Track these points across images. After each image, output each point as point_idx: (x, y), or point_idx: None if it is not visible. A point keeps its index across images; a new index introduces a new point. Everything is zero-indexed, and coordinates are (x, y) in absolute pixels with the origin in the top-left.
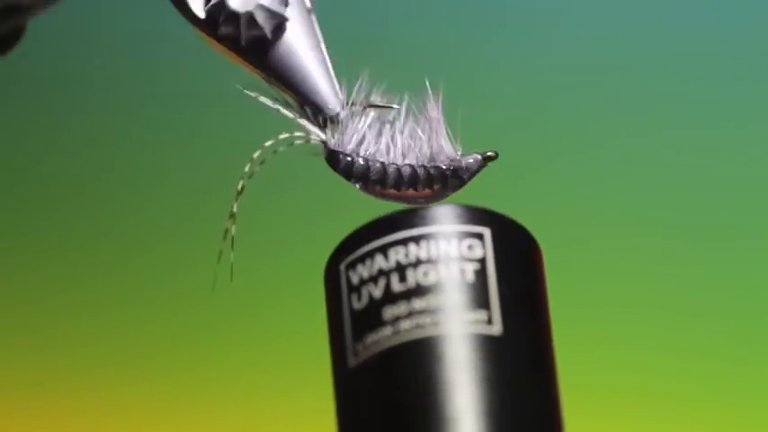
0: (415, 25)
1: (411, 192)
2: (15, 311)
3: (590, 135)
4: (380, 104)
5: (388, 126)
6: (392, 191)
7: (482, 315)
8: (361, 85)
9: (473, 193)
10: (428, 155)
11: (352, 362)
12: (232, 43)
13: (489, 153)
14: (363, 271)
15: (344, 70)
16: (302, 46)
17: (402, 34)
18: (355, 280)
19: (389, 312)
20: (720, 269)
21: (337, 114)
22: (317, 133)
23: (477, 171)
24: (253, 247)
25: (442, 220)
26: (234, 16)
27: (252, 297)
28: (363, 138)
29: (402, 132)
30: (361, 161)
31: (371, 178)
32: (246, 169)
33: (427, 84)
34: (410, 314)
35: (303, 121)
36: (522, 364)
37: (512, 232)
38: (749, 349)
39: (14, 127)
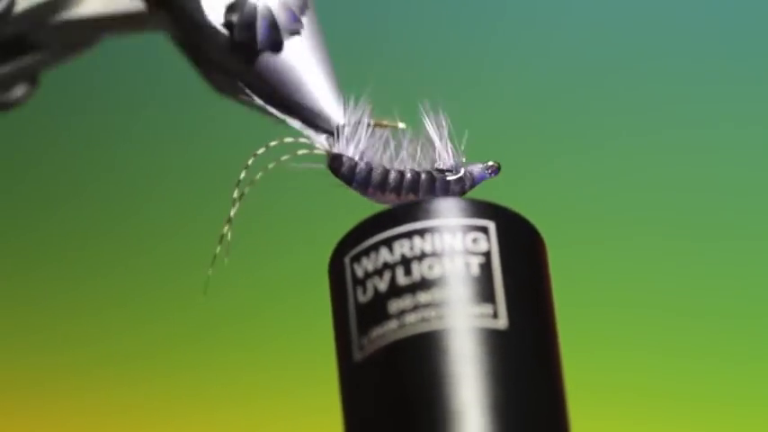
0: (416, 25)
1: (411, 197)
2: (16, 311)
3: (591, 135)
4: (386, 124)
5: (391, 139)
6: (392, 196)
7: (487, 309)
8: (364, 100)
9: (473, 192)
10: (431, 161)
11: (358, 356)
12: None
13: (492, 163)
14: (368, 264)
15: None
16: (309, 60)
17: (403, 34)
18: (360, 273)
19: (395, 306)
20: (721, 269)
21: (341, 126)
22: (321, 142)
23: (480, 181)
24: (252, 248)
25: (446, 213)
26: (252, 19)
27: (252, 297)
28: (367, 146)
29: (406, 144)
30: (363, 165)
31: (372, 182)
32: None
33: (422, 102)
34: (415, 308)
35: (309, 131)
36: (527, 357)
37: (516, 226)
38: (749, 349)
39: (14, 127)
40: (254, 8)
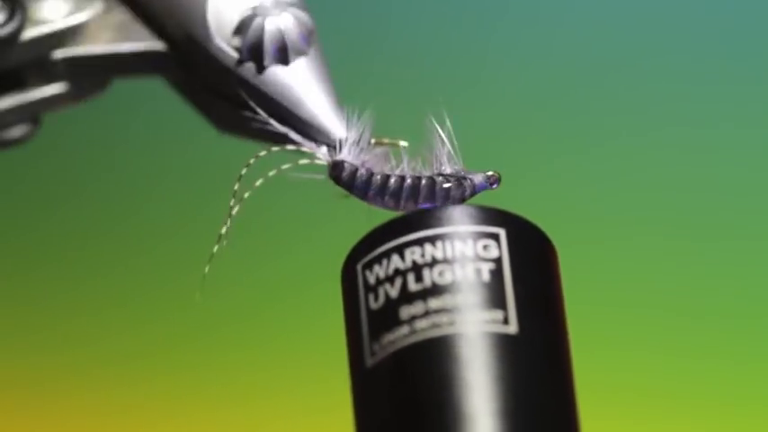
0: (417, 26)
1: (411, 203)
2: (15, 311)
3: (591, 135)
4: (387, 142)
5: (392, 155)
6: (391, 201)
7: (498, 314)
8: (366, 116)
9: (479, 198)
10: (432, 167)
11: (369, 361)
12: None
13: (492, 173)
14: (380, 271)
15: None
16: (312, 77)
17: (403, 35)
18: (372, 280)
19: (406, 312)
20: (722, 269)
21: (342, 139)
22: (322, 152)
23: (480, 190)
24: (252, 248)
25: (457, 220)
26: (259, 41)
27: (251, 297)
28: (368, 157)
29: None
30: (363, 171)
31: (373, 187)
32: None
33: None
34: (426, 313)
35: (310, 144)
36: (537, 362)
37: (527, 233)
38: (750, 349)
39: None
40: (262, 29)
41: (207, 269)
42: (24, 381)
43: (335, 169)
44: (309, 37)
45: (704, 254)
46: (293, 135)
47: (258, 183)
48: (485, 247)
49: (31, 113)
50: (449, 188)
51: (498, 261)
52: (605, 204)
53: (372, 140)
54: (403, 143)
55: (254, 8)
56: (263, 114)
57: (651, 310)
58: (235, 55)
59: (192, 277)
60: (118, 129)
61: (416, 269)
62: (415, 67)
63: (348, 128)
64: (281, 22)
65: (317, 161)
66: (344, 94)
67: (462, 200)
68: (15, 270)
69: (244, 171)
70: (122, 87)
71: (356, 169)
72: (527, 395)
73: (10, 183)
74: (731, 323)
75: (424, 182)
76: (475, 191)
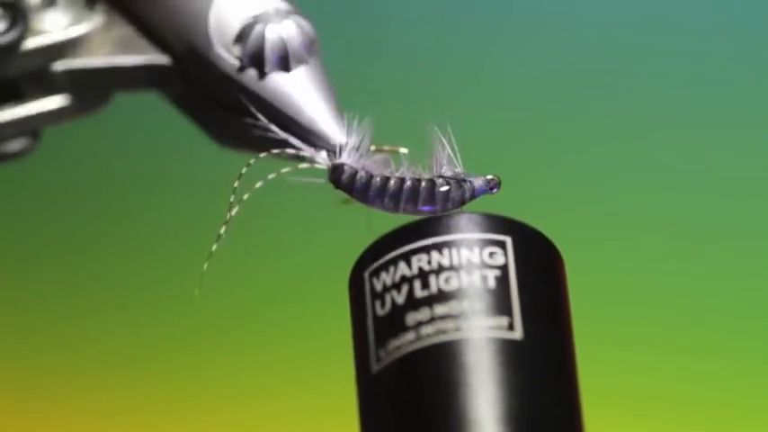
0: (417, 27)
1: (410, 206)
2: (17, 313)
3: (592, 136)
4: (387, 149)
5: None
6: (391, 204)
7: (503, 321)
8: (366, 123)
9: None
10: (432, 170)
11: (375, 367)
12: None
13: (492, 177)
14: (387, 278)
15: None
16: (313, 84)
17: (403, 36)
18: (379, 287)
19: (412, 318)
20: (723, 269)
21: (342, 144)
22: (322, 157)
23: (480, 194)
24: (253, 250)
25: (464, 228)
26: (260, 49)
27: (252, 300)
28: (368, 161)
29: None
30: (363, 173)
31: (372, 188)
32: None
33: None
34: (432, 319)
35: (310, 149)
36: (542, 368)
37: (533, 241)
38: (752, 349)
39: None
40: (263, 36)
41: (206, 266)
42: (25, 383)
43: (335, 172)
44: (310, 45)
45: (705, 255)
46: (293, 140)
47: (258, 185)
48: (491, 254)
49: (31, 127)
50: (448, 191)
51: (504, 268)
52: (607, 205)
53: (372, 147)
54: (403, 150)
55: (256, 16)
56: (263, 120)
57: (652, 311)
58: (236, 62)
59: (193, 280)
60: (119, 135)
61: (423, 276)
62: (415, 72)
63: (348, 134)
64: (283, 29)
65: (317, 165)
66: (344, 101)
67: (462, 203)
68: (16, 272)
69: (244, 170)
70: (123, 98)
71: (356, 172)
72: (532, 401)
73: (12, 185)
74: (733, 324)
75: (423, 184)
76: (474, 194)
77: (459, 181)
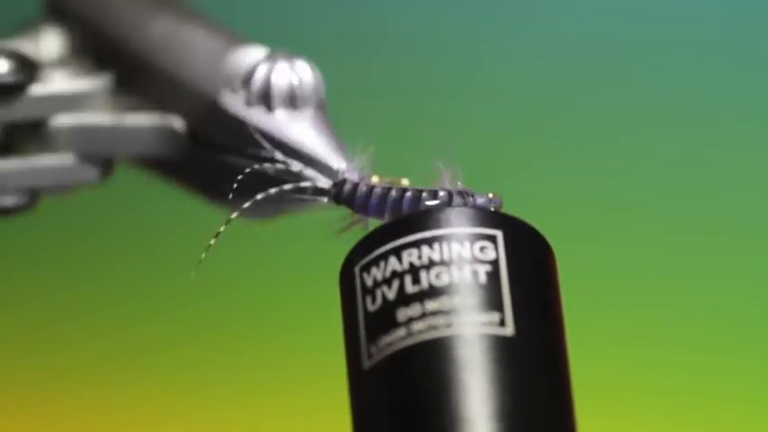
0: (417, 28)
1: None
2: (16, 309)
3: (590, 132)
4: (389, 181)
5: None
6: (392, 214)
7: (494, 316)
8: (368, 157)
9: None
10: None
11: (366, 363)
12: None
13: (492, 195)
14: (377, 273)
15: (345, 73)
16: (315, 124)
17: (404, 33)
18: (369, 282)
19: (403, 314)
20: (723, 266)
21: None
22: (324, 180)
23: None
24: (252, 247)
25: (454, 222)
26: (266, 93)
27: (251, 296)
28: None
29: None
30: (364, 187)
31: (373, 199)
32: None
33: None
34: (423, 315)
35: (310, 171)
36: (533, 364)
37: (524, 235)
38: (753, 347)
39: None
40: (269, 78)
41: (203, 255)
42: (24, 379)
43: (337, 186)
44: (316, 88)
45: (699, 250)
46: (295, 165)
47: (259, 197)
48: (482, 248)
49: (29, 183)
50: (450, 200)
51: (495, 263)
52: (598, 200)
53: (375, 178)
54: (405, 182)
55: (262, 59)
56: (268, 147)
57: (645, 306)
58: (243, 102)
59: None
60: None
61: (413, 271)
62: (415, 69)
63: (351, 166)
64: (289, 72)
65: (320, 183)
66: (347, 135)
67: None
68: (16, 268)
69: (240, 177)
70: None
71: (357, 184)
72: (524, 397)
73: None
74: (727, 320)
75: (425, 194)
76: (476, 208)
77: (461, 193)
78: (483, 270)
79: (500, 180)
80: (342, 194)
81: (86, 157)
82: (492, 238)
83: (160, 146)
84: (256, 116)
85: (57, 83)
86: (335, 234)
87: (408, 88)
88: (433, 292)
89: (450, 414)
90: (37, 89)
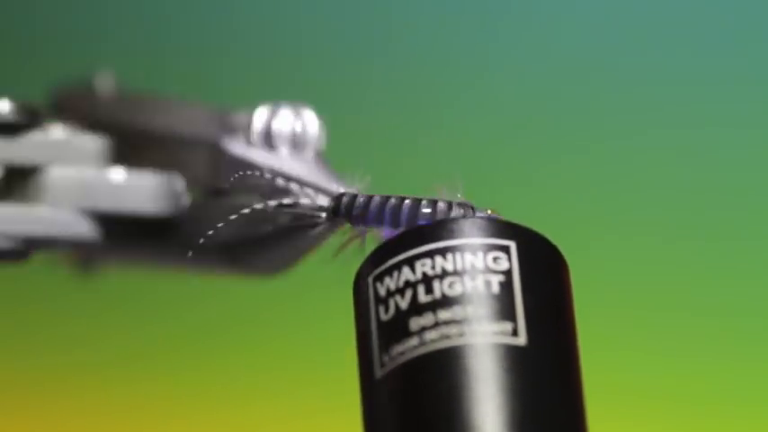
0: (417, 28)
1: (411, 226)
2: (16, 311)
3: (590, 136)
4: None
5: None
6: (390, 224)
7: (507, 326)
8: (363, 184)
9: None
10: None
11: (379, 372)
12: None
13: (491, 212)
14: (390, 283)
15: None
16: (315, 163)
17: (404, 33)
18: (382, 292)
19: (416, 323)
20: (723, 270)
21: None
22: (322, 197)
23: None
24: None
25: (468, 233)
26: (269, 127)
27: (252, 298)
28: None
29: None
30: (361, 199)
31: (371, 209)
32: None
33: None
34: (436, 324)
35: (309, 190)
36: (546, 374)
37: (537, 246)
38: (754, 350)
39: None
40: (269, 125)
41: (201, 241)
42: (25, 381)
43: (336, 200)
44: (316, 135)
45: (711, 257)
46: (294, 186)
47: (258, 206)
48: (495, 259)
49: (24, 231)
50: (449, 210)
51: (508, 273)
52: (610, 210)
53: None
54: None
55: (264, 109)
56: (268, 170)
57: (658, 315)
58: (244, 144)
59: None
60: None
61: (426, 281)
62: (415, 69)
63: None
64: (292, 118)
65: (318, 201)
66: (345, 166)
67: None
68: (15, 270)
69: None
70: None
71: (356, 196)
72: (535, 407)
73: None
74: (734, 324)
75: (424, 203)
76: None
77: (461, 204)
78: (496, 280)
79: (498, 189)
80: (340, 207)
81: (83, 211)
82: (505, 249)
83: (160, 203)
84: (258, 155)
85: (57, 133)
86: (335, 253)
87: (406, 100)
88: (446, 301)
89: (461, 423)
90: (37, 136)
